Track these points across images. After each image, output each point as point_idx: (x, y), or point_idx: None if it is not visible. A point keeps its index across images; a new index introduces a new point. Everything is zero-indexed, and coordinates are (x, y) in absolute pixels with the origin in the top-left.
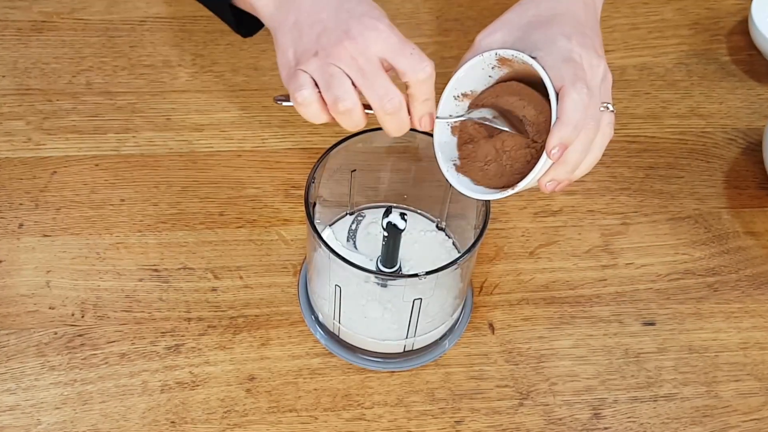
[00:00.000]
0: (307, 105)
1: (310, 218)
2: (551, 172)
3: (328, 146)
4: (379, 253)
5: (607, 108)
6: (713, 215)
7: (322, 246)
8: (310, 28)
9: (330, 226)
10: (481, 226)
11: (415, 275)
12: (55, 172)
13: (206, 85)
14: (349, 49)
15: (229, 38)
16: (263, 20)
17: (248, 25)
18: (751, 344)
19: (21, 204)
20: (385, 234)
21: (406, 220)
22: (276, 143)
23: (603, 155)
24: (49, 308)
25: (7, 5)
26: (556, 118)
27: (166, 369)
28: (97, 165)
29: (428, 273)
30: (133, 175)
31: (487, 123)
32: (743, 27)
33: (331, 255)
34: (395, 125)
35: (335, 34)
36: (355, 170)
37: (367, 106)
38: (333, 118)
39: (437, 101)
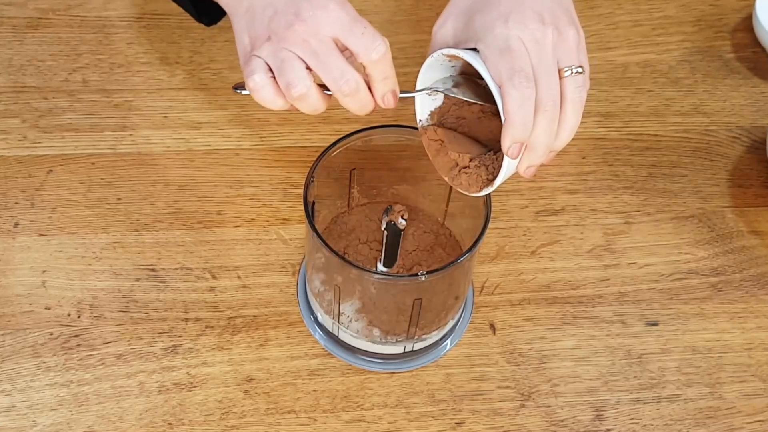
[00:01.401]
0: (259, 90)
1: (309, 217)
2: (525, 159)
3: (328, 144)
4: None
5: (572, 72)
6: (717, 214)
7: (322, 245)
8: (262, 12)
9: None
10: (482, 226)
11: (415, 275)
12: (51, 170)
13: (204, 82)
14: (300, 32)
15: (227, 35)
16: (222, 5)
17: (210, 13)
18: (755, 345)
19: (16, 203)
20: (386, 233)
21: (406, 220)
22: (274, 141)
23: (604, 153)
24: (45, 308)
25: (3, 2)
26: (504, 118)
27: (163, 370)
28: (93, 163)
29: (428, 273)
30: (130, 174)
31: (451, 95)
32: (747, 24)
33: (331, 254)
34: (357, 105)
35: (286, 17)
36: (354, 169)
37: (326, 88)
38: (291, 104)
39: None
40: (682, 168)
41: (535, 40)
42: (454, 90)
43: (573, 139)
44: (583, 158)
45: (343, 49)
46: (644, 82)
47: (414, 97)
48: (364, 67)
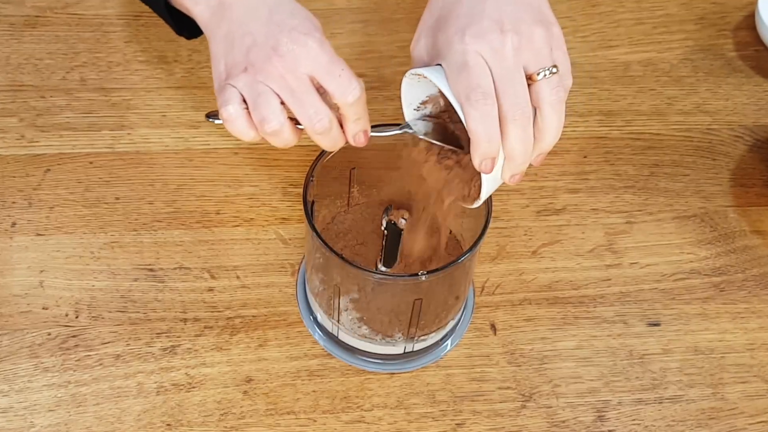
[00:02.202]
0: (233, 121)
1: (309, 217)
2: (506, 169)
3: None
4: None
5: (545, 74)
6: (719, 214)
7: (321, 245)
8: (240, 40)
9: None
10: (482, 225)
11: (415, 275)
12: (49, 169)
13: (202, 81)
14: (278, 67)
15: None
16: (200, 26)
17: (189, 27)
18: (758, 345)
19: (14, 202)
20: (386, 233)
21: (406, 219)
22: None
23: (606, 152)
24: (43, 309)
25: (0, 0)
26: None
27: (161, 370)
28: (91, 162)
29: (429, 273)
30: (128, 173)
31: (420, 137)
32: (750, 22)
33: (331, 254)
34: (328, 143)
35: (264, 50)
36: (354, 168)
37: (298, 122)
38: (262, 137)
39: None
40: (684, 167)
41: (493, 51)
42: (424, 132)
43: (574, 138)
44: (585, 157)
45: (318, 87)
46: (646, 80)
47: (385, 132)
48: (337, 108)
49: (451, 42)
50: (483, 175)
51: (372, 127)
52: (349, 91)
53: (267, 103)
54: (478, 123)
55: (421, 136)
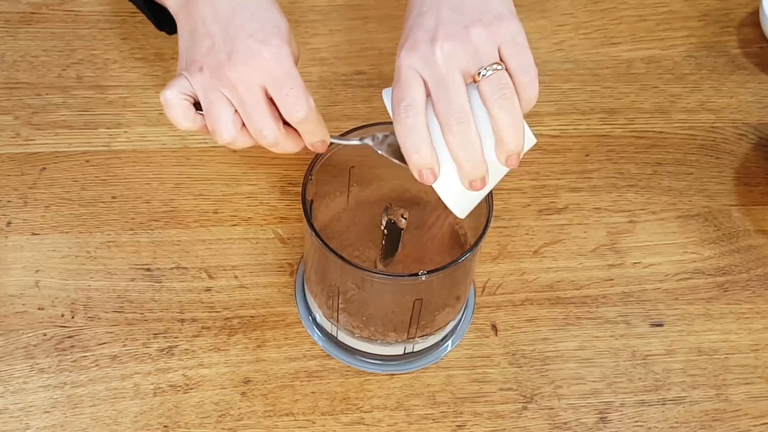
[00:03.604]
0: (168, 107)
1: (308, 216)
2: (463, 177)
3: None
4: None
5: (484, 73)
6: (723, 213)
7: (321, 245)
8: (201, 40)
9: None
10: (483, 225)
11: (416, 275)
12: (45, 168)
13: None
14: (230, 77)
15: None
16: (174, 17)
17: (171, 22)
18: (762, 346)
19: (9, 201)
20: (385, 232)
21: (406, 218)
22: None
23: (608, 150)
24: (38, 309)
25: None
26: None
27: (158, 371)
28: (87, 161)
29: (429, 273)
30: (125, 172)
31: (379, 151)
32: (754, 19)
33: (330, 254)
34: (280, 151)
35: (219, 56)
36: (353, 167)
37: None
38: (203, 126)
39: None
40: (688, 166)
41: (424, 62)
42: (381, 148)
43: (576, 136)
44: (587, 156)
45: (270, 98)
46: (649, 78)
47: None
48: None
49: (398, 56)
50: (436, 187)
51: (340, 135)
52: (294, 111)
53: (218, 115)
54: (402, 136)
55: (380, 152)
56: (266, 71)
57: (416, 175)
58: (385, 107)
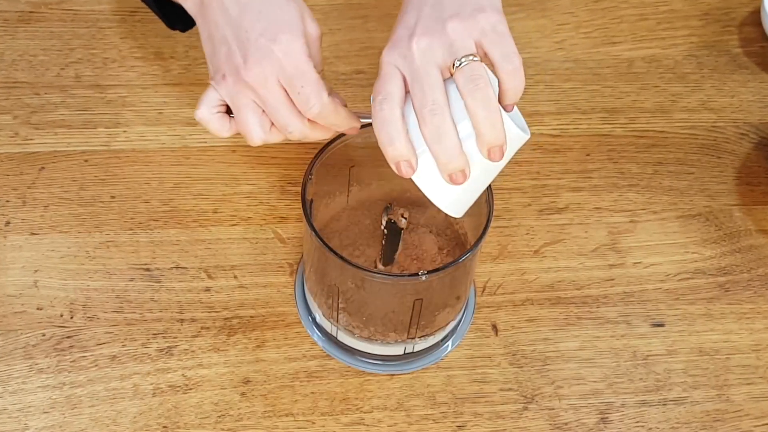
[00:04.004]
0: (205, 123)
1: (308, 216)
2: (441, 169)
3: (326, 141)
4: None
5: (458, 63)
6: (724, 213)
7: (320, 244)
8: (219, 47)
9: None
10: (484, 224)
11: (416, 275)
12: (43, 167)
13: (199, 77)
14: (248, 80)
15: None
16: (195, 20)
17: (183, 19)
18: (763, 346)
19: (8, 201)
20: (385, 232)
21: (406, 218)
22: None
23: (609, 150)
24: (37, 309)
25: None
26: None
27: (158, 372)
28: (86, 160)
29: (429, 273)
30: (124, 171)
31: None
32: (755, 18)
33: (330, 254)
34: (313, 140)
35: (236, 61)
36: (353, 166)
37: None
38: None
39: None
40: (689, 165)
41: (402, 57)
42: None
43: (577, 135)
44: (588, 155)
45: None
46: (650, 77)
47: None
48: None
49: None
50: (416, 180)
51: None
52: (308, 107)
53: (246, 119)
54: (377, 129)
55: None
56: (280, 69)
57: (394, 168)
58: None
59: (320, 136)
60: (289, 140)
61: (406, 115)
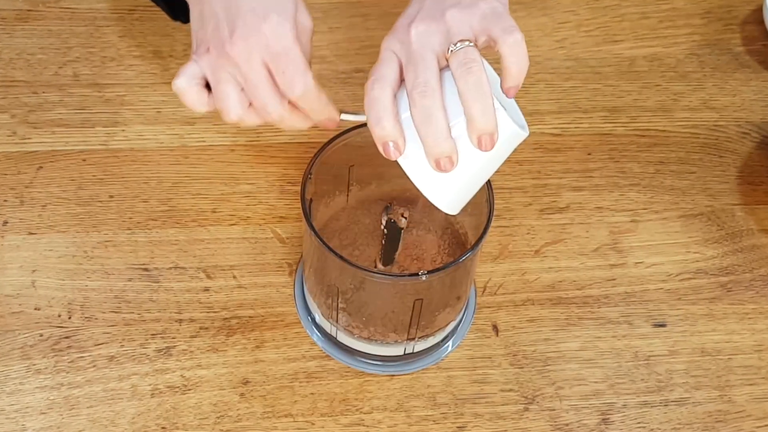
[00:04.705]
0: (182, 94)
1: (307, 215)
2: (428, 153)
3: (326, 140)
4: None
5: (452, 48)
6: (726, 212)
7: (320, 244)
8: (208, 21)
9: None
10: (484, 224)
11: (416, 275)
12: (41, 167)
13: None
14: (232, 54)
15: None
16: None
17: (185, 10)
18: (766, 346)
19: (5, 200)
20: (385, 232)
21: (406, 218)
22: (271, 137)
23: (610, 149)
24: (35, 309)
25: None
26: None
27: (156, 372)
28: (84, 160)
29: (429, 273)
30: (122, 171)
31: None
32: (758, 16)
33: (329, 253)
34: (288, 128)
35: (222, 35)
36: (353, 165)
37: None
38: (213, 107)
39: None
40: (691, 165)
41: (400, 43)
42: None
43: (578, 134)
44: (589, 154)
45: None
46: (651, 76)
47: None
48: None
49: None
50: (402, 163)
51: (353, 112)
52: (290, 88)
53: (225, 93)
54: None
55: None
56: (265, 47)
57: (381, 150)
58: None
59: (298, 123)
60: (266, 123)
61: (398, 100)
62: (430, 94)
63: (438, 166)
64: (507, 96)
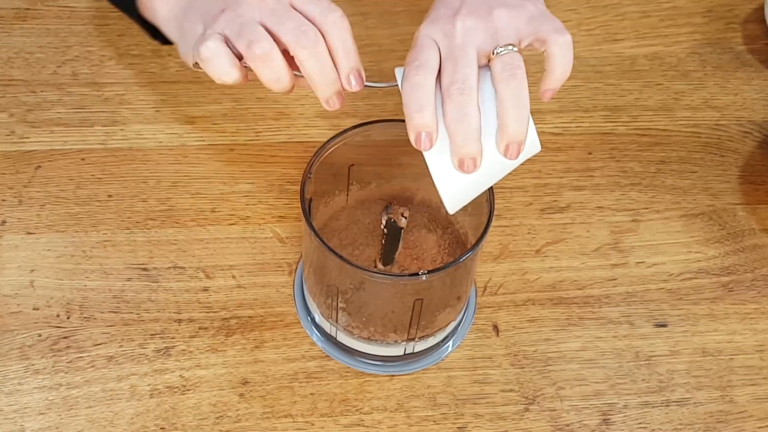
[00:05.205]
0: (213, 59)
1: (307, 215)
2: (453, 150)
3: (325, 140)
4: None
5: (498, 51)
6: (728, 212)
7: (320, 244)
8: (214, 1)
9: None
10: (484, 224)
11: (416, 275)
12: (40, 166)
13: (197, 75)
14: None
15: None
16: (165, 24)
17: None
18: (767, 347)
19: (4, 200)
20: (385, 231)
21: (406, 218)
22: (270, 136)
23: (611, 148)
24: (33, 309)
25: None
26: None
27: (155, 373)
28: (83, 159)
29: (429, 272)
30: (121, 170)
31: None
32: (759, 15)
33: (329, 253)
34: (316, 66)
35: None
36: (353, 165)
37: (293, 69)
38: (245, 75)
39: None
40: (692, 164)
41: (443, 34)
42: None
43: (579, 134)
44: (590, 154)
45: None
46: (653, 75)
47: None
48: (324, 38)
49: (416, 32)
50: (427, 157)
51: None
52: (329, 10)
53: (252, 29)
54: (407, 94)
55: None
56: None
57: (412, 138)
58: (395, 89)
59: (323, 55)
60: (287, 82)
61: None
62: (468, 92)
63: (461, 166)
64: (543, 98)
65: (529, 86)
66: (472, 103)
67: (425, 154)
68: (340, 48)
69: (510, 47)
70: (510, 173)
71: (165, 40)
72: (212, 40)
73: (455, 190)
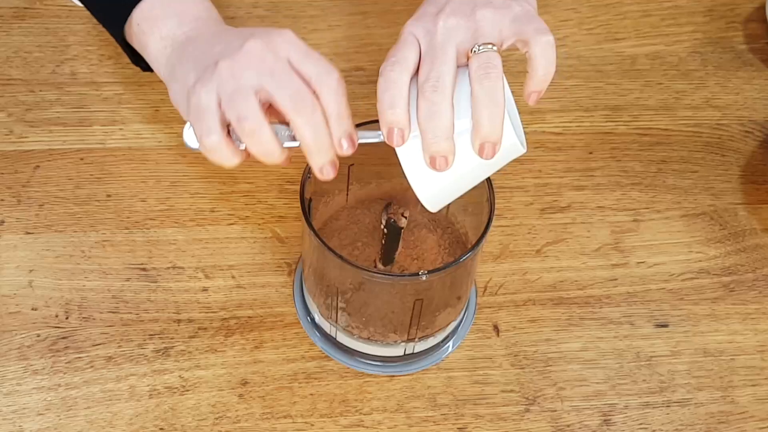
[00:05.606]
0: (216, 151)
1: (306, 215)
2: (425, 147)
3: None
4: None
5: (476, 49)
6: (729, 211)
7: (319, 244)
8: (210, 49)
9: None
10: (485, 223)
11: (416, 275)
12: (38, 166)
13: None
14: (257, 49)
15: None
16: (156, 64)
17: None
18: None
19: (2, 200)
20: (385, 231)
21: (406, 217)
22: None
23: (612, 148)
24: (32, 309)
25: None
26: None
27: (154, 373)
28: (82, 159)
29: (430, 272)
30: (120, 170)
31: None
32: (761, 14)
33: (329, 253)
34: (311, 134)
35: (238, 42)
36: (353, 164)
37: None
38: (245, 157)
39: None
40: (693, 163)
41: (425, 31)
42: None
43: (580, 133)
44: (590, 153)
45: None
46: (653, 74)
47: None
48: (319, 100)
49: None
50: (400, 153)
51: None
52: (326, 72)
53: (244, 99)
54: (381, 90)
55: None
56: (292, 42)
57: (385, 134)
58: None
59: (319, 122)
60: (278, 154)
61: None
62: (441, 91)
63: (432, 164)
64: (529, 101)
65: (516, 88)
66: (445, 101)
67: (397, 150)
68: (333, 112)
69: (489, 46)
70: (511, 173)
71: (147, 67)
72: (215, 133)
73: (432, 189)
